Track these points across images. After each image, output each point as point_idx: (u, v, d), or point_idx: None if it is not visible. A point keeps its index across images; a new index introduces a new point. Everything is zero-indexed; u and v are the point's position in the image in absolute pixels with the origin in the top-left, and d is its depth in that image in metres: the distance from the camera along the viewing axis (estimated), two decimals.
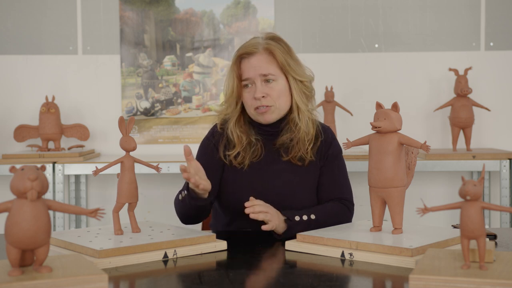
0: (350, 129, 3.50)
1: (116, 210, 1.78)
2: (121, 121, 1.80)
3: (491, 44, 3.55)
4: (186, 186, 1.94)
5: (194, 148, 2.19)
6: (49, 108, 3.30)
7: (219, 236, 1.80)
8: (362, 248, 1.64)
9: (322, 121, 2.72)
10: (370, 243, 1.63)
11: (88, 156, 3.29)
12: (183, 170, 1.77)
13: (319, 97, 3.10)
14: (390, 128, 1.74)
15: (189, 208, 1.99)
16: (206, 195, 1.93)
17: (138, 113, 3.57)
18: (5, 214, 1.30)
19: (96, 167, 1.78)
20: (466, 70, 3.30)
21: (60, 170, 3.13)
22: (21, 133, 3.36)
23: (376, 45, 3.56)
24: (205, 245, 1.73)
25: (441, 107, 3.36)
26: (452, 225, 2.05)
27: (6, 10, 3.52)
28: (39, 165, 1.34)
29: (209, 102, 3.59)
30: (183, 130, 3.59)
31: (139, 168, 2.00)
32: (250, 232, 2.05)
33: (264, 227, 1.88)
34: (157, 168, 1.84)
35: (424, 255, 1.45)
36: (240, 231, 2.10)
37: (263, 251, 1.80)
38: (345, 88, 3.55)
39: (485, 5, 3.55)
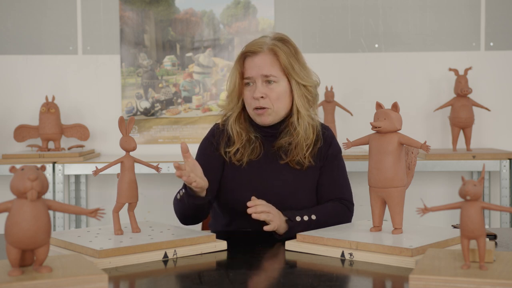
0: (350, 129, 3.50)
1: (116, 210, 1.78)
2: (121, 121, 1.80)
3: (491, 44, 3.55)
4: (184, 184, 1.94)
5: (194, 148, 2.19)
6: (49, 108, 3.30)
7: (219, 236, 1.80)
8: (362, 248, 1.64)
9: (322, 121, 2.72)
10: (370, 243, 1.63)
11: (88, 156, 3.29)
12: (177, 167, 1.76)
13: (319, 97, 3.09)
14: (390, 128, 1.74)
15: (188, 208, 1.98)
16: (203, 194, 1.92)
17: (138, 113, 3.57)
18: (5, 214, 1.30)
19: (96, 167, 1.78)
20: (466, 70, 3.30)
21: (60, 170, 3.13)
22: (21, 133, 3.36)
23: (376, 45, 3.56)
24: (205, 245, 1.73)
25: (441, 107, 3.36)
26: (452, 225, 2.05)
27: (6, 10, 3.52)
28: (39, 165, 1.34)
29: (209, 102, 3.59)
30: (183, 130, 3.59)
31: (139, 168, 2.00)
32: (250, 232, 2.05)
33: (266, 228, 1.88)
34: (157, 168, 1.84)
35: (424, 255, 1.45)
36: (240, 231, 2.10)
37: (263, 251, 1.80)
38: (345, 88, 3.55)
39: (485, 5, 3.55)
